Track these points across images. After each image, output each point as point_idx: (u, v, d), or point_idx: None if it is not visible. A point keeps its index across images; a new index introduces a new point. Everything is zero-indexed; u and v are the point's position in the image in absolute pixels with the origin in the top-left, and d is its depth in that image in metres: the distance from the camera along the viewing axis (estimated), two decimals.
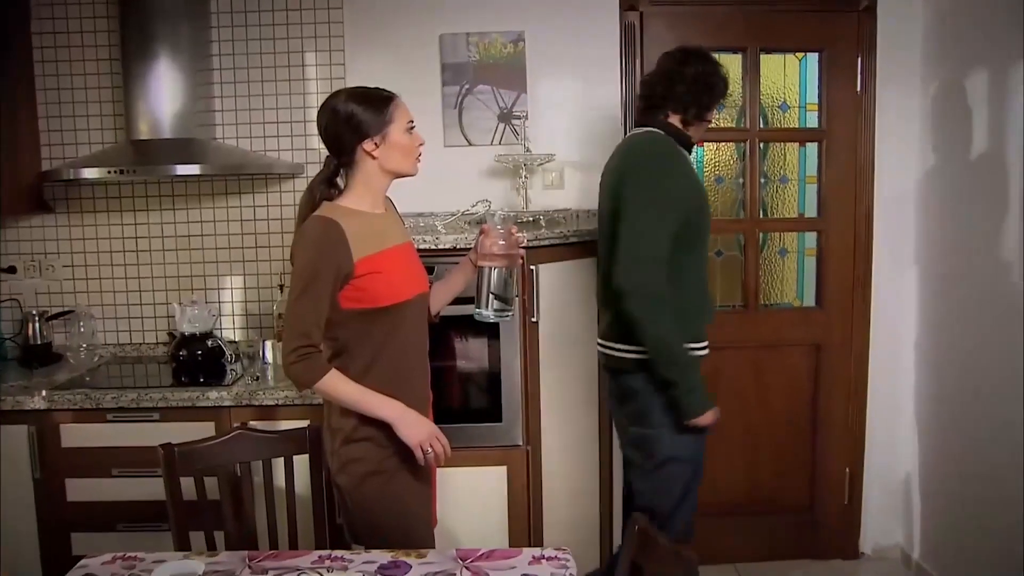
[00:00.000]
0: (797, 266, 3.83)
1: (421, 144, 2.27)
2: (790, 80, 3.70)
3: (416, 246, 2.47)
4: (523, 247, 2.38)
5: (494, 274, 2.30)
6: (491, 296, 2.29)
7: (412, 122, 2.25)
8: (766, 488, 3.79)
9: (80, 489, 3.08)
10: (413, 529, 2.27)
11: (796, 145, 3.76)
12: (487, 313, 2.30)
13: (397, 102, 2.23)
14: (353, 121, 2.17)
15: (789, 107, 3.71)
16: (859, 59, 3.56)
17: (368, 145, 2.19)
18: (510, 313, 2.34)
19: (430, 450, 2.18)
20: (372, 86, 2.27)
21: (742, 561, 3.76)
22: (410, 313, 2.26)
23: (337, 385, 2.17)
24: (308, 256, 2.14)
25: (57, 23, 3.55)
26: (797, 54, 3.68)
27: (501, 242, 2.29)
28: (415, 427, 2.18)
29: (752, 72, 3.60)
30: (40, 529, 3.10)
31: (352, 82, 3.50)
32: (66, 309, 3.66)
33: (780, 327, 3.76)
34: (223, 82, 3.57)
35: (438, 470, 2.49)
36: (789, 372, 3.74)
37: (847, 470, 3.75)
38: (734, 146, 3.74)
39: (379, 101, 2.21)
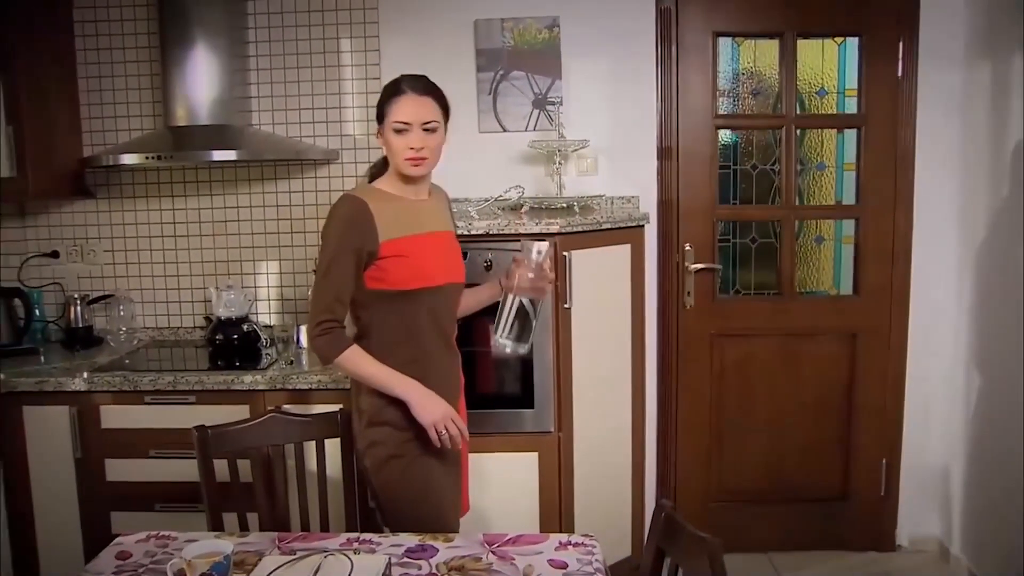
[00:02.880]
0: (834, 254, 3.79)
1: (412, 148, 2.20)
2: (828, 65, 3.64)
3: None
4: (552, 281, 2.34)
5: (517, 303, 2.25)
6: (511, 325, 2.25)
7: (404, 123, 2.19)
8: (799, 477, 3.75)
9: (119, 469, 3.14)
10: (435, 514, 2.27)
11: (834, 131, 3.71)
12: (504, 342, 2.26)
13: (396, 100, 2.21)
14: (379, 104, 2.26)
15: (827, 92, 3.66)
16: (900, 43, 3.49)
17: (377, 131, 2.26)
18: (526, 346, 2.28)
19: (444, 432, 2.19)
20: (413, 75, 2.29)
21: (774, 550, 3.73)
22: (437, 300, 2.27)
23: (358, 361, 2.20)
24: (334, 234, 2.19)
25: (98, 11, 3.60)
26: (836, 39, 3.62)
27: (531, 275, 2.25)
28: (430, 408, 2.20)
29: (788, 58, 3.55)
30: (81, 507, 3.16)
31: (386, 68, 3.52)
32: (106, 293, 3.72)
33: (815, 315, 3.71)
34: (259, 69, 3.59)
35: (470, 456, 2.50)
36: (824, 360, 3.69)
37: (883, 460, 3.70)
38: (770, 132, 3.70)
39: (390, 91, 2.24)
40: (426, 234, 2.26)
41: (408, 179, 2.27)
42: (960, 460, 3.55)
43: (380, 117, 2.24)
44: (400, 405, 2.22)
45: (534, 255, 2.24)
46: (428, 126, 2.20)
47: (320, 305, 2.19)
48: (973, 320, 3.44)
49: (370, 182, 2.33)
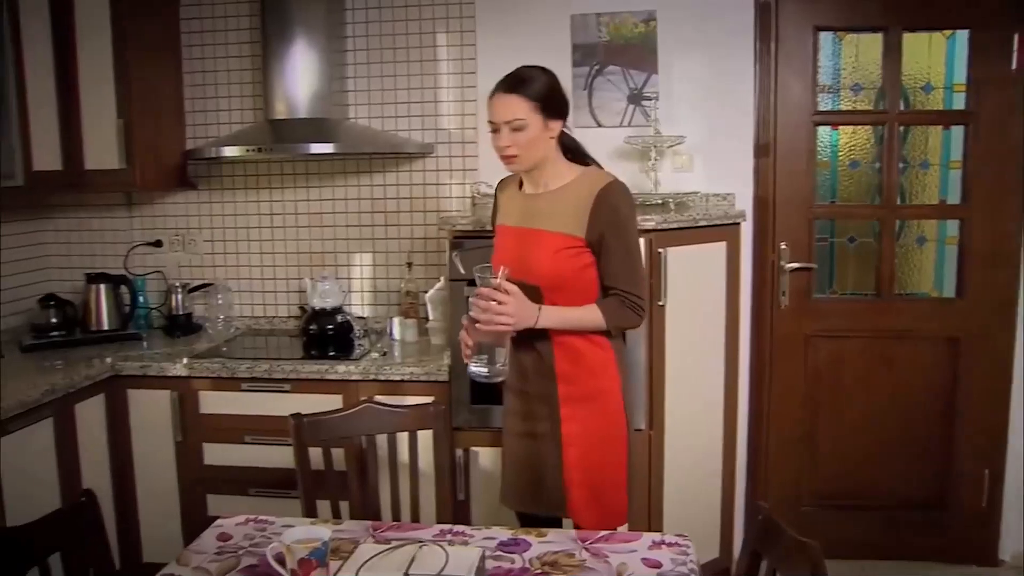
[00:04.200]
0: (936, 255, 3.66)
1: (499, 147, 2.28)
2: (935, 59, 3.51)
3: None
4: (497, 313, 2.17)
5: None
6: (480, 351, 2.23)
7: (493, 124, 2.28)
8: (895, 483, 3.64)
9: (216, 453, 3.24)
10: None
11: (940, 128, 3.58)
12: (473, 370, 2.25)
13: (489, 101, 2.30)
14: None
15: (933, 88, 3.53)
16: (1015, 35, 3.34)
17: None
18: (498, 374, 2.23)
19: (465, 342, 2.28)
20: (514, 71, 2.29)
21: (865, 558, 3.63)
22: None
23: None
24: None
25: (203, 9, 3.71)
26: (945, 32, 3.49)
27: (477, 299, 2.19)
28: None
29: (893, 53, 3.44)
30: (180, 489, 3.27)
31: (482, 64, 3.55)
32: (206, 282, 3.83)
33: (915, 318, 3.59)
34: (356, 63, 3.65)
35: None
36: (922, 364, 3.57)
37: (986, 471, 3.56)
38: (871, 129, 3.59)
39: (490, 92, 2.32)
40: (513, 227, 2.36)
41: (528, 172, 2.35)
42: None
43: None
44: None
45: (477, 281, 2.19)
46: (513, 125, 2.23)
47: None
48: None
49: None
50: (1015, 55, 3.35)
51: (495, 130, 2.27)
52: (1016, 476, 3.55)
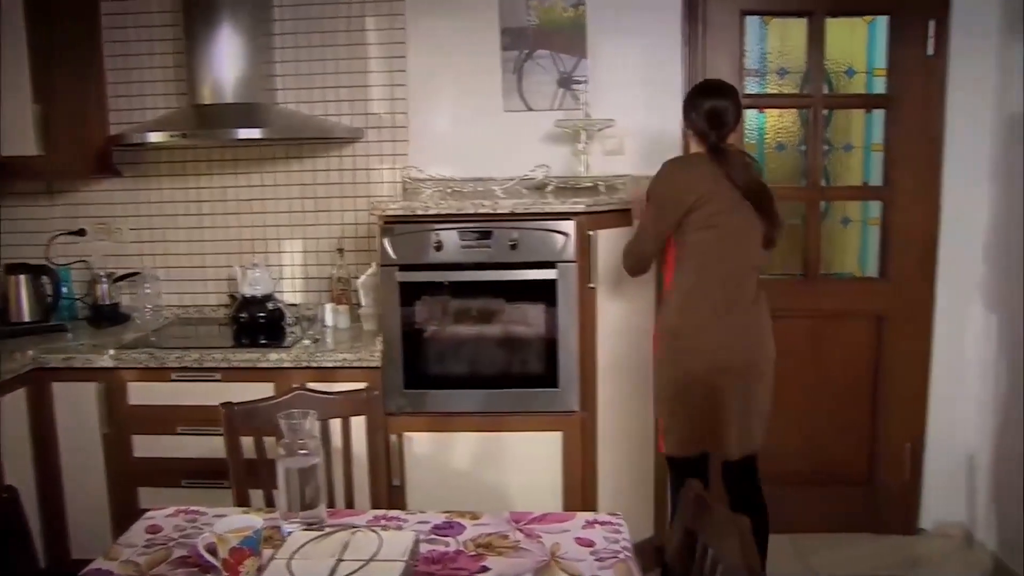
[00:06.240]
0: (860, 236, 3.76)
1: None
2: (857, 45, 3.60)
3: (475, 210, 2.47)
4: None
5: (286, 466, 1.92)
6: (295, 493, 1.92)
7: None
8: (823, 460, 3.74)
9: (146, 445, 3.18)
10: None
11: (862, 112, 3.67)
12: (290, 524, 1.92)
13: None
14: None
15: (856, 72, 3.62)
16: (931, 22, 3.43)
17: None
18: (316, 518, 1.93)
19: None
20: None
21: (798, 532, 3.71)
22: None
23: None
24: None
25: None
26: (866, 17, 3.57)
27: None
28: None
29: (816, 37, 3.51)
30: (109, 483, 3.21)
31: (412, 47, 3.52)
32: (132, 271, 3.74)
33: (841, 297, 3.68)
34: (284, 47, 3.58)
35: (493, 435, 2.47)
36: (849, 342, 3.67)
37: (908, 445, 3.68)
38: (796, 113, 3.66)
39: None
40: None
41: None
42: (987, 445, 3.52)
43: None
44: None
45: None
46: None
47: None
48: (1002, 304, 3.40)
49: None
50: (931, 41, 3.44)
51: None
52: (938, 449, 3.67)
